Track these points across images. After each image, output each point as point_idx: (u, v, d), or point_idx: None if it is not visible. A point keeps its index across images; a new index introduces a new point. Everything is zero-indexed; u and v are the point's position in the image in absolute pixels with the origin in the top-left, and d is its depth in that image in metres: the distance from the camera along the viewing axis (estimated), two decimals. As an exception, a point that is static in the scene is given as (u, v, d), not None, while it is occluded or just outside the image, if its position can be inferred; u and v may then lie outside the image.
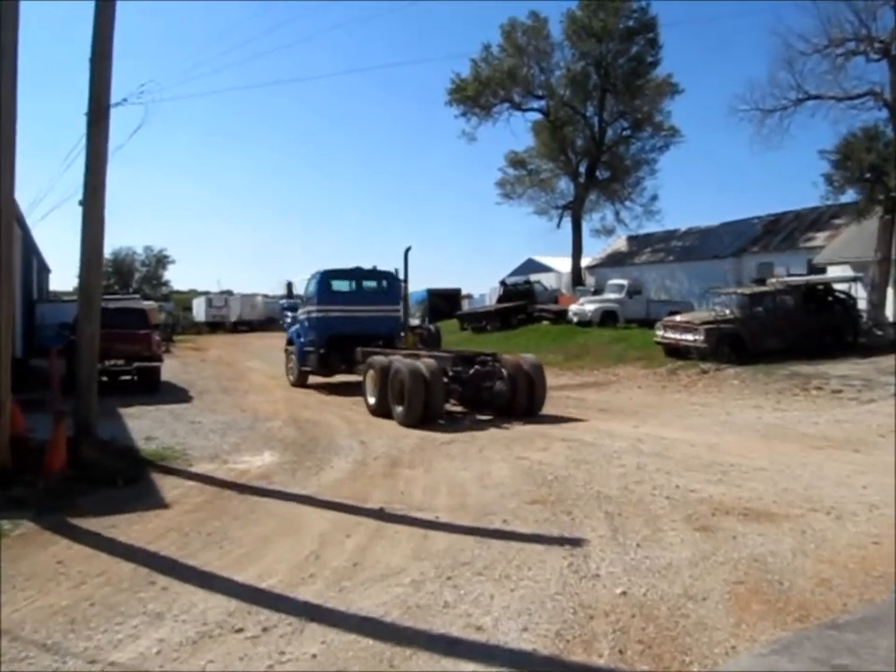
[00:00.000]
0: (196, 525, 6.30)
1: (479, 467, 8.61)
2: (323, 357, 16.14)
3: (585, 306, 30.55)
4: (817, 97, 23.24)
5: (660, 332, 20.75)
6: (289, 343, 18.47)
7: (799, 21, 40.39)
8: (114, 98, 9.25)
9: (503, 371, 12.27)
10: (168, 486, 7.76)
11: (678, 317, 21.22)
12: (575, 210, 41.03)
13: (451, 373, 12.27)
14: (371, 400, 12.85)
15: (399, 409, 11.69)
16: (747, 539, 5.52)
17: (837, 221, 29.70)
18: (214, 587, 4.83)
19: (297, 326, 17.90)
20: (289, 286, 17.42)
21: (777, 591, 4.43)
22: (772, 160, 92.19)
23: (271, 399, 15.65)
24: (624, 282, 31.76)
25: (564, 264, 46.90)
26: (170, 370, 19.36)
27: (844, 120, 23.27)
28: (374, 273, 17.36)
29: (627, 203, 40.79)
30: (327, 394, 16.30)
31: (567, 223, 42.12)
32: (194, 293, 69.35)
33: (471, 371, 12.32)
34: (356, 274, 17.10)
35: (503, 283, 39.52)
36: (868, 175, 21.52)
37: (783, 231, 33.60)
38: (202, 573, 5.12)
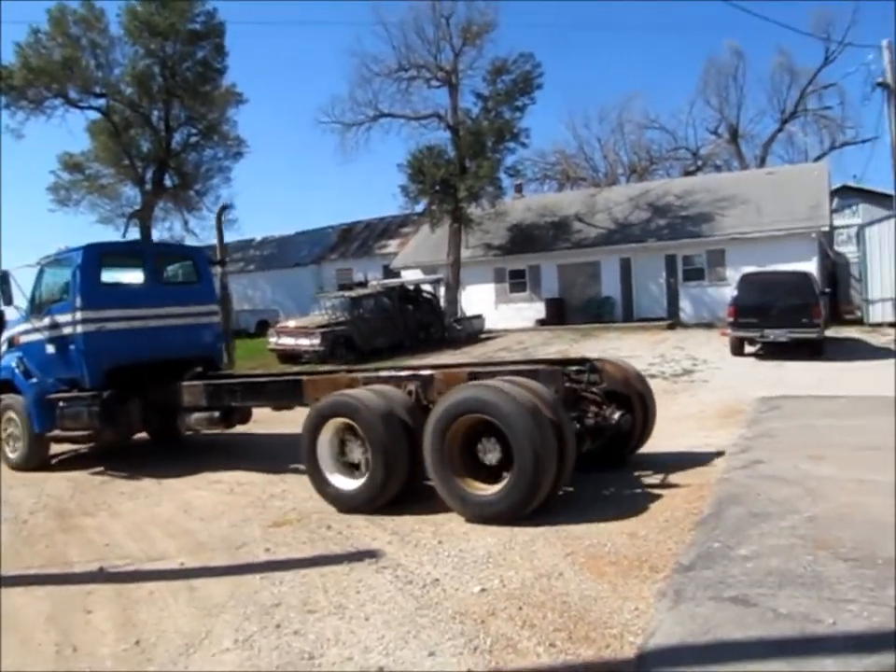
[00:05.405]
0: None
1: (172, 498, 7.44)
2: (109, 407, 8.63)
3: (174, 319, 28.73)
4: (390, 115, 25.57)
5: (273, 339, 20.70)
6: (1, 387, 9.73)
7: (374, 44, 44.08)
8: None
9: (594, 389, 6.77)
10: None
11: (291, 323, 21.36)
12: (143, 219, 38.19)
13: None
14: (347, 484, 6.35)
15: (493, 490, 5.56)
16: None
17: (405, 230, 33.15)
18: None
19: (17, 354, 9.64)
20: (4, 278, 8.95)
21: (610, 551, 4.68)
22: (349, 171, 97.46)
23: None
24: (212, 292, 30.67)
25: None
26: None
27: (414, 137, 26.11)
28: (174, 251, 10.74)
29: (202, 211, 39.47)
30: None
31: (135, 233, 39.07)
32: None
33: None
34: (145, 253, 10.00)
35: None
36: (438, 188, 24.35)
37: (357, 239, 36.22)
38: None
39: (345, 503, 6.29)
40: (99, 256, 9.11)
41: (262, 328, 28.05)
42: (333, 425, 6.45)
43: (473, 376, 6.39)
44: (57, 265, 9.40)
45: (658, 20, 71.38)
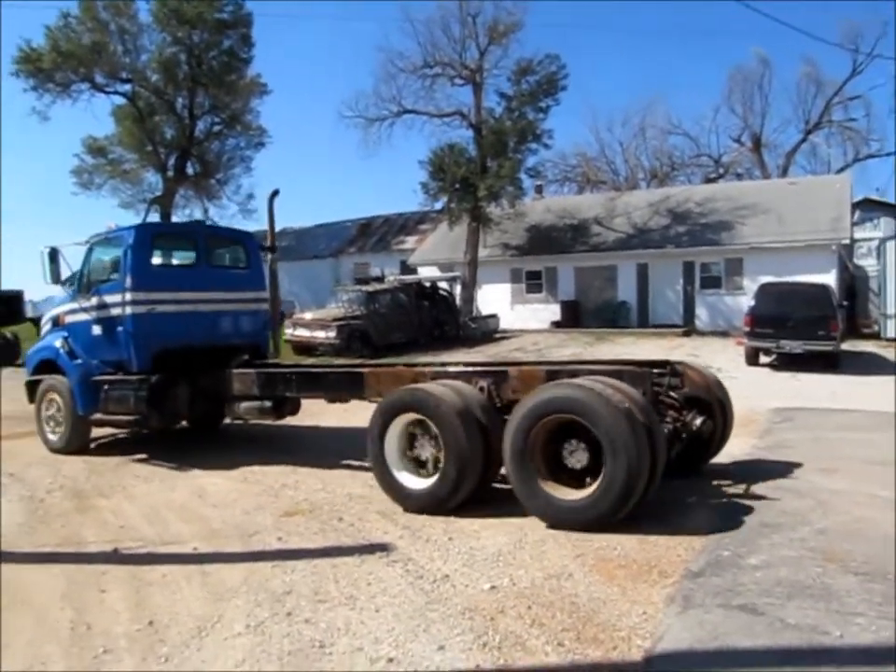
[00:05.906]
0: None
1: (187, 484, 7.53)
2: (157, 392, 8.34)
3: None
4: (413, 112, 25.65)
5: (289, 330, 20.87)
6: (43, 367, 9.55)
7: (400, 41, 44.31)
8: None
9: (673, 393, 6.39)
10: None
11: (308, 315, 21.51)
12: (164, 205, 38.50)
13: None
14: (415, 482, 6.05)
15: (581, 495, 5.24)
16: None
17: (423, 227, 33.25)
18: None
19: (62, 334, 9.36)
20: (53, 255, 8.78)
21: (619, 555, 4.72)
22: (369, 166, 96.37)
23: None
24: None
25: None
26: None
27: (437, 135, 26.19)
28: (225, 235, 10.48)
29: (223, 200, 39.73)
30: None
31: (156, 219, 39.37)
32: None
33: None
34: (197, 234, 9.53)
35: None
36: (458, 186, 24.39)
37: (376, 234, 36.36)
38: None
39: (413, 503, 5.99)
40: (150, 236, 8.87)
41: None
42: (404, 420, 6.13)
43: (552, 375, 6.02)
44: (107, 244, 9.07)
45: (685, 24, 71.04)
